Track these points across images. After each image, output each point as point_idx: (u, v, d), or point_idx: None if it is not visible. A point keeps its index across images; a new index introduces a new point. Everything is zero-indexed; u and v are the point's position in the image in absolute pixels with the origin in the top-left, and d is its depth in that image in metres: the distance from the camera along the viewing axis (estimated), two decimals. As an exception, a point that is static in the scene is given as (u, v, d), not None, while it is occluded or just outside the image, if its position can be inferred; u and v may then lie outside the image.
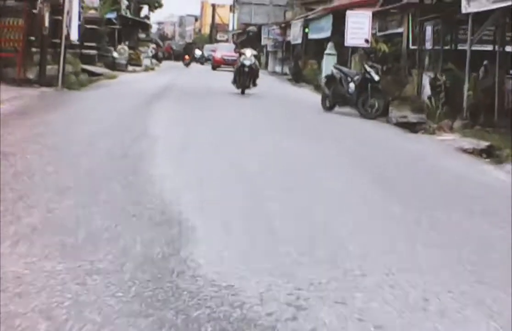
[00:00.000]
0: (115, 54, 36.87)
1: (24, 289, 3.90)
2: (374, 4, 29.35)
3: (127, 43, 45.96)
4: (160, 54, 55.31)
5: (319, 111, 18.83)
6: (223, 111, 16.55)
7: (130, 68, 37.72)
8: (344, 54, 30.93)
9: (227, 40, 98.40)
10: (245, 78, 22.58)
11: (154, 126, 12.16)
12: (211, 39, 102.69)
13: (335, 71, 19.18)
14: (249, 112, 16.83)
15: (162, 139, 10.63)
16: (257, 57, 25.22)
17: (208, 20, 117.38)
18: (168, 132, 11.78)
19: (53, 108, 15.01)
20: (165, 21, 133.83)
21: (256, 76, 23.12)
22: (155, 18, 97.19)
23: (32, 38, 20.48)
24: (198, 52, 62.93)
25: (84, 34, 33.26)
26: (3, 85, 18.22)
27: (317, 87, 29.95)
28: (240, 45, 63.51)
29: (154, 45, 57.84)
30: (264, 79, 39.63)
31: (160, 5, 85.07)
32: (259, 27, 63.97)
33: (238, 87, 22.87)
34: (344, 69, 19.65)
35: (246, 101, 20.18)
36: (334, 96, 18.77)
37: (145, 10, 57.88)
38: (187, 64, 53.73)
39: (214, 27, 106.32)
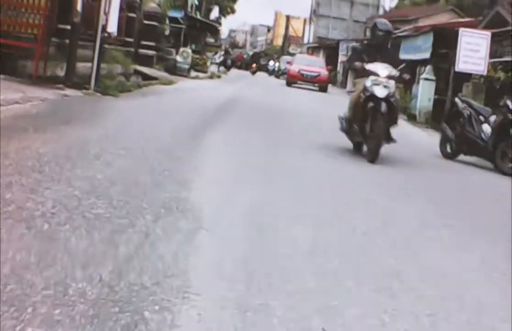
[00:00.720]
0: (177, 57, 32.18)
1: None
2: (475, 26, 24.33)
3: (193, 46, 41.39)
4: (229, 62, 50.59)
5: (435, 158, 13.48)
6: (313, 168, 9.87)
7: (193, 74, 32.97)
8: (441, 80, 25.76)
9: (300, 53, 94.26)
10: (378, 125, 10.62)
11: (200, 183, 6.75)
12: (283, 51, 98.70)
13: (461, 105, 13.72)
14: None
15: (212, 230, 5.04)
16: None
17: (281, 31, 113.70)
18: (226, 200, 6.30)
19: (64, 121, 10.11)
20: (237, 29, 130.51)
21: (395, 120, 11.27)
22: (227, 24, 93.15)
23: (61, 26, 15.81)
24: (271, 64, 58.13)
25: (142, 31, 28.69)
26: (14, 82, 13.54)
27: (411, 117, 24.84)
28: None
29: (222, 52, 53.11)
30: (332, 96, 35.51)
31: (233, 11, 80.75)
32: (337, 42, 58.72)
33: (354, 141, 11.73)
34: (474, 104, 14.14)
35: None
36: (460, 141, 13.35)
37: (215, 12, 53.03)
38: (253, 73, 53.57)
39: (287, 39, 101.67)
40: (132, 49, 26.17)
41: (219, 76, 38.84)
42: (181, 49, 32.96)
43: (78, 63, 17.24)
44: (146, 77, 25.02)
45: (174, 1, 35.88)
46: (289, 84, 38.52)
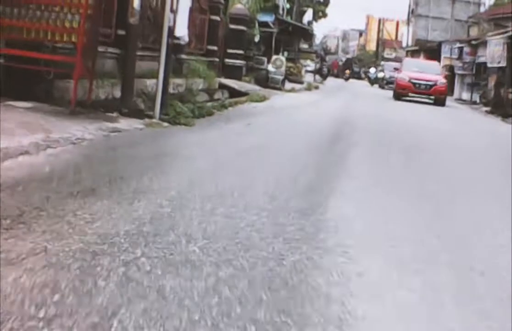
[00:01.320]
0: (269, 67, 27.50)
1: None
2: None
3: (285, 53, 36.76)
4: (324, 70, 45.64)
5: None
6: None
7: (287, 85, 28.22)
8: None
9: (395, 59, 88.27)
10: None
11: None
12: (377, 55, 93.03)
13: None
14: None
15: None
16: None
17: (374, 35, 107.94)
18: None
19: (88, 190, 5.43)
20: (328, 34, 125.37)
21: None
22: (318, 29, 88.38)
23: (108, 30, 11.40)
24: (372, 71, 52.49)
25: (227, 37, 24.18)
26: (43, 113, 9.21)
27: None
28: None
29: (317, 59, 48.03)
30: (454, 110, 30.75)
31: (325, 15, 75.50)
32: (439, 44, 52.79)
33: None
34: None
35: None
36: None
37: (308, 15, 47.87)
38: (346, 79, 52.33)
39: (381, 42, 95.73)
40: (217, 59, 21.66)
41: (316, 87, 33.95)
42: (274, 57, 28.25)
43: (144, 81, 12.82)
44: (233, 92, 20.46)
45: (265, 2, 31.26)
46: (397, 97, 30.60)
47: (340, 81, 51.56)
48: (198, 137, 9.91)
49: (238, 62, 25.22)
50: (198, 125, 11.22)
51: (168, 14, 10.74)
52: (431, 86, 30.22)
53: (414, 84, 30.28)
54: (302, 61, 42.83)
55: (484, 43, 37.07)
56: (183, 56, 17.27)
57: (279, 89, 26.30)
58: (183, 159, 7.97)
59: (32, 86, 10.25)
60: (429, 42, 60.30)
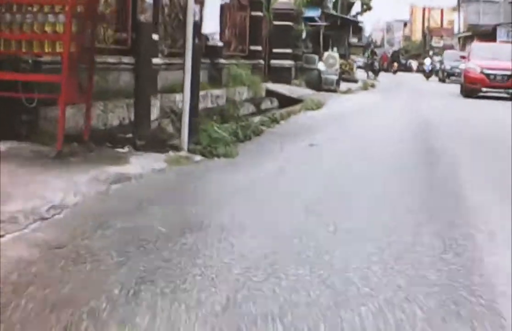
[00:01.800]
0: (320, 66, 24.08)
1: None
2: None
3: (334, 49, 33.41)
4: (376, 64, 41.78)
5: None
6: None
7: (342, 86, 24.76)
8: None
9: (443, 47, 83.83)
10: None
11: None
12: (425, 45, 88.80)
13: None
14: None
15: None
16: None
17: (419, 25, 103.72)
18: None
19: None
20: (373, 27, 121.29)
21: None
22: (364, 23, 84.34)
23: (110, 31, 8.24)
24: (428, 62, 47.45)
25: (272, 35, 20.92)
26: (28, 162, 6.16)
27: None
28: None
29: (367, 53, 44.16)
30: None
31: (369, 8, 71.91)
32: (494, 27, 48.52)
33: None
34: None
35: None
36: None
37: (357, 7, 43.98)
38: (394, 72, 50.33)
39: (428, 31, 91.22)
40: (261, 62, 18.40)
41: (372, 85, 30.29)
42: (326, 54, 24.76)
43: (173, 96, 9.69)
44: (283, 100, 17.15)
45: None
46: (467, 93, 24.06)
47: (391, 76, 47.70)
48: (244, 178, 6.61)
49: (286, 63, 21.93)
50: (243, 153, 7.95)
51: (192, 5, 7.47)
52: (509, 76, 23.58)
53: (488, 75, 23.74)
54: (353, 56, 39.30)
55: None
56: (222, 60, 14.06)
57: (334, 91, 22.91)
58: (224, 238, 4.57)
59: (8, 119, 7.15)
60: (483, 27, 55.90)
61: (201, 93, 11.65)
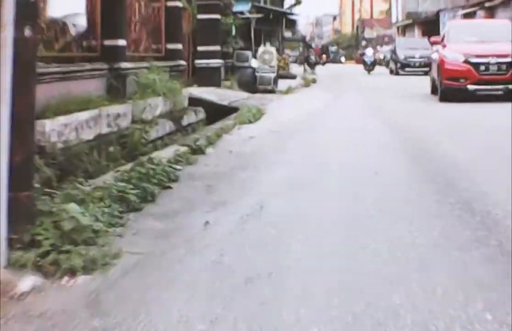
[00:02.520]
0: (254, 63, 20.36)
1: None
2: None
3: (267, 45, 29.93)
4: (312, 58, 38.35)
5: None
6: None
7: (280, 84, 21.06)
8: None
9: (376, 38, 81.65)
10: None
11: None
12: (357, 37, 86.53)
13: None
14: None
15: None
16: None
17: (349, 17, 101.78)
18: None
19: None
20: (302, 22, 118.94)
21: None
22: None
23: None
24: (369, 53, 40.01)
25: (196, 31, 17.15)
26: None
27: None
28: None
29: (300, 47, 40.58)
30: None
31: (299, 2, 68.71)
32: (437, 13, 45.84)
33: None
34: None
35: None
36: None
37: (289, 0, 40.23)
38: (323, 64, 49.02)
39: (360, 23, 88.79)
40: (182, 63, 14.48)
41: (313, 81, 26.69)
42: (261, 49, 20.96)
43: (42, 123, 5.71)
44: (212, 109, 13.36)
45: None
46: (446, 95, 15.98)
47: (330, 68, 44.46)
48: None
49: (214, 62, 18.14)
50: (127, 257, 4.00)
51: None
52: (508, 65, 15.87)
53: (477, 66, 15.88)
54: (288, 51, 35.80)
55: (505, 3, 30.20)
56: (125, 64, 10.13)
57: (272, 91, 19.26)
58: None
59: None
60: (424, 14, 52.65)
61: (92, 113, 7.82)
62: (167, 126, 10.54)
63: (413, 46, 35.54)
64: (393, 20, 60.63)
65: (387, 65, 41.42)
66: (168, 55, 13.22)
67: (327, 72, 35.69)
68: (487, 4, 33.25)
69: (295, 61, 40.85)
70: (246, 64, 20.09)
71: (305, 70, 34.03)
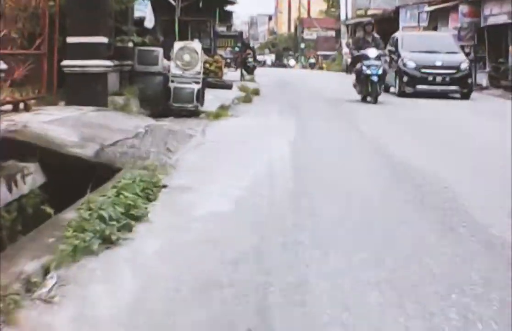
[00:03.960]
0: (166, 64, 12.70)
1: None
2: None
3: (196, 41, 22.75)
4: (250, 61, 30.88)
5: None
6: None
7: (209, 98, 13.46)
8: None
9: (316, 40, 75.84)
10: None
11: None
12: (295, 37, 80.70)
13: None
14: None
15: None
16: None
17: (285, 17, 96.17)
18: None
19: None
20: (234, 23, 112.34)
21: None
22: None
23: None
24: (372, 54, 28.43)
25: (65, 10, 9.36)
26: None
27: None
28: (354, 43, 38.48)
29: (237, 47, 32.82)
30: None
31: (235, 2, 61.26)
32: (397, 9, 39.00)
33: None
34: None
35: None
36: None
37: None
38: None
39: (299, 22, 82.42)
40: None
41: (256, 93, 18.98)
42: (178, 45, 12.73)
43: None
44: (60, 165, 5.79)
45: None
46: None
47: (269, 73, 37.10)
48: None
49: (95, 64, 10.35)
50: None
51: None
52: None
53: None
54: (221, 52, 28.22)
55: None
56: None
57: (195, 113, 11.70)
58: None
59: None
60: (381, 11, 45.13)
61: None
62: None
63: (429, 46, 20.59)
64: (342, 17, 53.49)
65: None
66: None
67: (267, 79, 28.17)
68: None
69: (229, 64, 33.44)
70: (153, 68, 12.40)
71: (242, 76, 26.53)
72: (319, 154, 7.95)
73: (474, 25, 25.77)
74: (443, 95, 18.85)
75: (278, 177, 6.30)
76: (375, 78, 16.08)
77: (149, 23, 17.57)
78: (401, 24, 35.42)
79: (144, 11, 18.09)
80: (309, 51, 72.72)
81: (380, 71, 16.25)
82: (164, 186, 5.58)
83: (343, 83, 22.72)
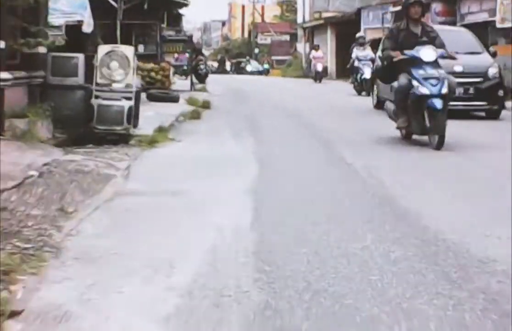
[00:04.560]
0: (97, 76, 9.93)
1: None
2: None
3: (141, 47, 20.53)
4: (202, 68, 28.17)
5: None
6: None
7: (147, 115, 10.79)
8: None
9: (270, 44, 73.87)
10: None
11: None
12: (249, 42, 78.82)
13: None
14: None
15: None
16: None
17: (239, 23, 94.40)
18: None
19: None
20: (186, 29, 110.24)
21: None
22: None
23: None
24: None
25: None
26: None
27: None
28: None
29: (187, 53, 29.99)
30: None
31: (186, 4, 58.45)
32: (358, 11, 36.94)
33: None
34: None
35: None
36: None
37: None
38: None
39: (253, 27, 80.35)
40: None
41: (207, 106, 16.15)
42: (102, 48, 9.90)
43: None
44: None
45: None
46: None
47: (220, 81, 34.49)
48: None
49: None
50: None
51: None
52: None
53: None
54: (170, 59, 25.50)
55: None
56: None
57: (125, 138, 8.97)
58: None
59: None
60: (342, 13, 42.92)
61: None
62: None
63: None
64: (299, 20, 51.06)
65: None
66: None
67: (220, 88, 25.53)
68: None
69: (178, 72, 30.90)
70: (72, 80, 9.60)
71: (192, 85, 23.80)
72: (304, 220, 4.92)
73: (448, 25, 23.64)
74: (464, 114, 13.21)
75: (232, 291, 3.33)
76: (438, 104, 8.93)
77: (88, 27, 14.97)
78: (363, 26, 33.49)
79: (82, 13, 15.55)
80: (263, 56, 70.74)
81: (444, 89, 9.07)
82: (16, 313, 2.87)
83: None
